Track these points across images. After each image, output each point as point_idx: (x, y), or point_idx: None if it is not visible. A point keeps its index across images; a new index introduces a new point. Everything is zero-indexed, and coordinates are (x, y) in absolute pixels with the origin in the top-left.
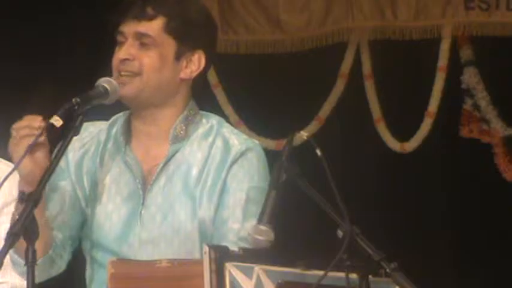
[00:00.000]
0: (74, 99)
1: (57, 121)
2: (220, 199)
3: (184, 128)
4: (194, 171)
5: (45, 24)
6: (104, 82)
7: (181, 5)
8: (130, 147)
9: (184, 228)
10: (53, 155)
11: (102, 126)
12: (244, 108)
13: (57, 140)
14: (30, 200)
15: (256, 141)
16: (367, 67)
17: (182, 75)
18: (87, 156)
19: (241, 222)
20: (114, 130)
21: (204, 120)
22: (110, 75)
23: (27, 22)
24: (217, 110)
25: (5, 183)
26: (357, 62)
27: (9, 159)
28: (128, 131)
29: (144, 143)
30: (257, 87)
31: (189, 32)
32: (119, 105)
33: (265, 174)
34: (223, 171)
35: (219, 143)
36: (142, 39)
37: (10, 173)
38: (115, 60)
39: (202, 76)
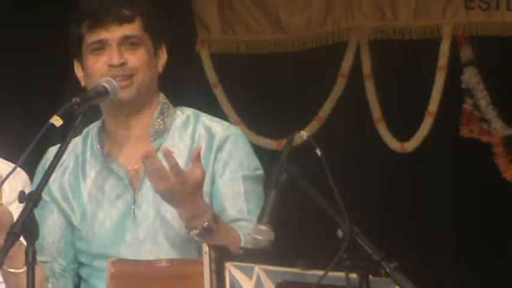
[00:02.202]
0: (73, 99)
1: (57, 121)
2: (214, 187)
3: (162, 122)
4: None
5: (44, 26)
6: (103, 82)
7: (148, 2)
8: (110, 154)
9: (178, 220)
10: (53, 155)
11: (77, 140)
12: (244, 108)
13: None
14: (30, 200)
15: (237, 127)
16: (367, 67)
17: (160, 69)
18: (68, 171)
19: (246, 215)
20: (88, 141)
21: (178, 112)
22: None
23: (27, 23)
24: (217, 110)
25: (5, 184)
26: (357, 62)
27: (9, 159)
28: (103, 139)
29: (124, 146)
30: (257, 87)
31: (159, 28)
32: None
33: (253, 157)
34: (210, 158)
35: (201, 131)
36: (129, 42)
37: (10, 173)
38: (100, 68)
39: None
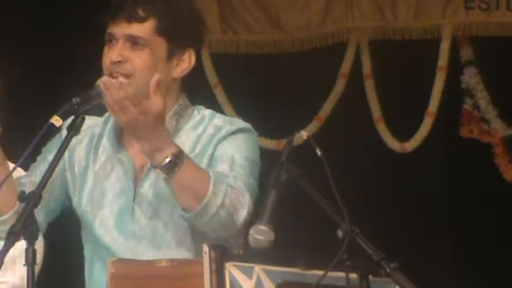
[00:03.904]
0: (73, 99)
1: (57, 121)
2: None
3: (174, 123)
4: None
5: (46, 26)
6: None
7: (171, 5)
8: (123, 144)
9: (175, 221)
10: (53, 155)
11: (99, 120)
12: (244, 108)
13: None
14: (30, 199)
15: (249, 125)
16: (367, 67)
17: (174, 74)
18: (80, 145)
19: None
20: (108, 126)
21: (195, 112)
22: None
23: (27, 22)
24: (217, 110)
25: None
26: (357, 62)
27: (10, 159)
28: (119, 128)
29: (135, 141)
30: (257, 87)
31: (180, 32)
32: None
33: (254, 149)
34: (210, 147)
35: (210, 130)
36: (134, 41)
37: (10, 173)
38: (106, 61)
39: (190, 73)
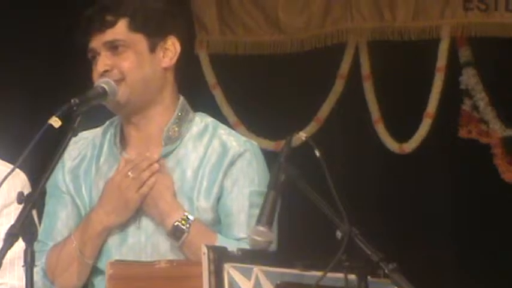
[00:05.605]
0: (72, 100)
1: (55, 122)
2: (221, 203)
3: (176, 129)
4: (189, 173)
5: (46, 26)
6: (102, 83)
7: (137, 0)
8: (126, 152)
9: None
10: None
11: (98, 131)
12: (243, 108)
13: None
14: (29, 201)
15: (255, 143)
16: (366, 68)
17: (163, 64)
18: (85, 162)
19: (245, 231)
20: (108, 134)
21: (197, 119)
22: None
23: (28, 21)
24: (216, 111)
25: (4, 185)
26: (356, 63)
27: (8, 160)
28: (121, 136)
29: (137, 147)
30: (256, 87)
31: (154, 23)
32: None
33: (265, 175)
34: (219, 172)
35: (215, 144)
36: (113, 46)
37: (9, 174)
38: (95, 76)
39: (182, 63)
